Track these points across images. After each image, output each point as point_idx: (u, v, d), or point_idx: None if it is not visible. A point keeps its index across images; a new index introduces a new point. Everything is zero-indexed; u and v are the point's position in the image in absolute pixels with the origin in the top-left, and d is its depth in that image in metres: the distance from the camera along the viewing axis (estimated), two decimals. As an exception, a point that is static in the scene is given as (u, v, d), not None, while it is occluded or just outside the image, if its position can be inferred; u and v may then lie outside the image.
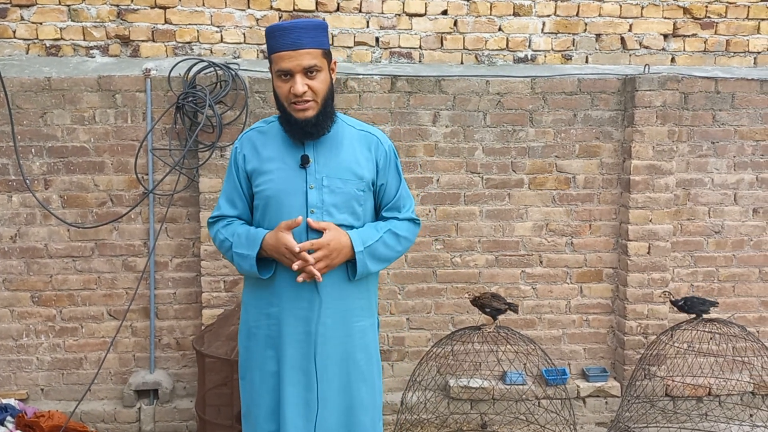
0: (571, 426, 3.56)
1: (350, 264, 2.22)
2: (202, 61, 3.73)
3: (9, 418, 3.50)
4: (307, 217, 2.16)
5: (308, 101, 2.12)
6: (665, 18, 4.19)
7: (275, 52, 2.10)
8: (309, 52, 2.09)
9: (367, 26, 4.05)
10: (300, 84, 2.09)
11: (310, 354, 2.19)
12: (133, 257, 3.87)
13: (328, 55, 2.17)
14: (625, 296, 3.97)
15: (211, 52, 3.99)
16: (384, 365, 3.97)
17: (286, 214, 2.16)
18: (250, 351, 2.30)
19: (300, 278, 2.12)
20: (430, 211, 3.95)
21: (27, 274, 3.82)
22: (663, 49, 4.22)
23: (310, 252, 2.11)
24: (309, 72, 2.10)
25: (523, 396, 3.92)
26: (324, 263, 2.12)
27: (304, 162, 2.18)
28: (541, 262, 4.04)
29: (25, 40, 3.89)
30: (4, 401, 3.60)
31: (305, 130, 2.15)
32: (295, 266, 2.10)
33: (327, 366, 2.21)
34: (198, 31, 3.96)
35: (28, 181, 3.72)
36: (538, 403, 3.93)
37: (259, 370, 2.26)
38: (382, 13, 4.03)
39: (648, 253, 3.94)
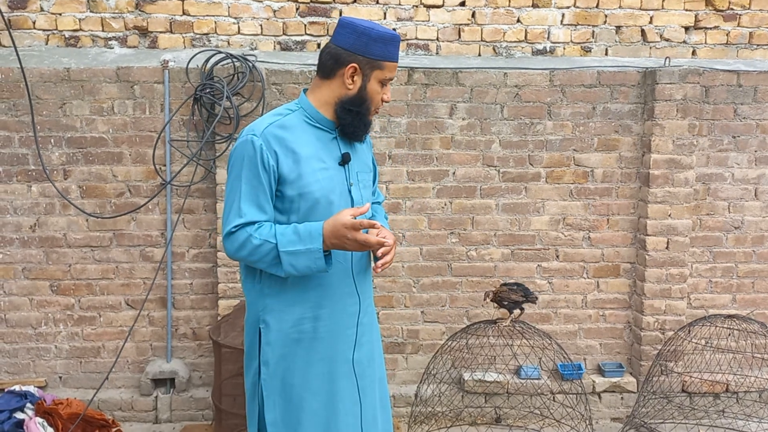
0: (587, 421, 3.54)
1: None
2: (220, 52, 3.73)
3: (29, 405, 3.54)
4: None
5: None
6: (687, 10, 4.13)
7: (392, 60, 2.12)
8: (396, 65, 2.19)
9: (385, 17, 4.03)
10: (389, 93, 2.19)
11: (351, 348, 2.19)
12: (151, 247, 3.90)
13: None
14: (642, 291, 3.94)
15: (229, 43, 3.99)
16: (398, 358, 3.98)
17: (333, 213, 2.07)
18: (289, 358, 2.14)
19: (380, 269, 2.06)
20: (445, 204, 3.93)
21: (46, 263, 3.87)
22: (684, 41, 4.16)
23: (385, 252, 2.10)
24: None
25: (538, 390, 3.90)
26: (391, 255, 2.10)
27: (346, 160, 2.16)
28: (557, 256, 4.01)
29: (44, 30, 3.91)
30: (24, 388, 3.65)
31: (367, 131, 2.22)
32: (380, 251, 2.03)
33: (362, 360, 2.22)
34: (215, 22, 3.97)
35: (47, 171, 3.75)
36: (553, 397, 3.91)
37: (303, 374, 2.14)
38: (400, 4, 4.01)
39: (666, 248, 3.90)
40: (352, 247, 2.00)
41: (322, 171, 2.09)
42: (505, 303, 3.48)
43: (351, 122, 2.13)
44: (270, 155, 2.03)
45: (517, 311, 3.51)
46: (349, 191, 2.16)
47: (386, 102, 2.19)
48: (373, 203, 2.38)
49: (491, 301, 3.50)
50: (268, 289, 2.14)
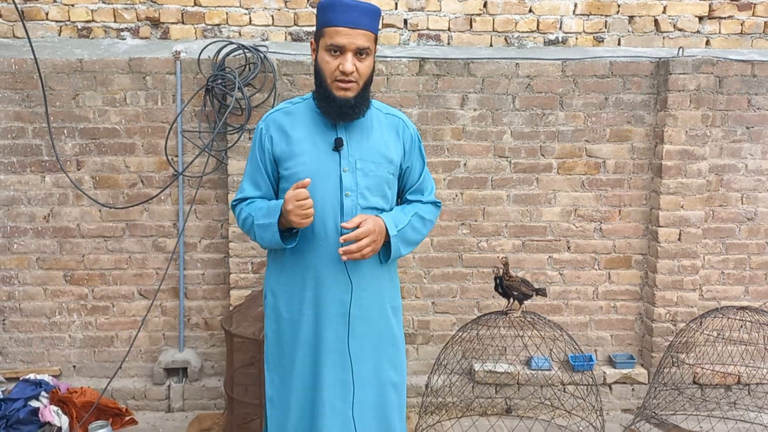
0: (597, 412, 3.54)
1: (381, 247, 2.23)
2: (231, 43, 3.74)
3: (43, 393, 3.59)
4: (342, 200, 2.16)
5: (351, 82, 2.10)
6: (700, 0, 4.09)
7: (332, 25, 2.06)
8: (365, 33, 2.07)
9: (396, 8, 4.02)
10: (350, 63, 2.06)
11: (344, 335, 2.20)
12: (163, 238, 3.92)
13: (376, 42, 2.16)
14: (654, 283, 3.93)
15: (240, 34, 3.99)
16: (409, 348, 3.99)
17: (320, 197, 2.13)
18: (280, 336, 2.28)
19: (344, 257, 2.08)
20: (456, 195, 3.93)
21: (60, 253, 3.90)
22: (698, 31, 4.12)
23: (350, 239, 2.10)
24: (360, 53, 2.09)
25: (549, 381, 3.91)
26: (371, 248, 2.11)
27: (338, 145, 2.16)
28: (568, 247, 4.01)
29: (57, 21, 3.93)
30: (39, 377, 3.69)
31: (342, 109, 2.12)
32: (344, 257, 2.09)
33: (362, 347, 2.22)
34: (227, 13, 3.97)
35: (61, 162, 3.78)
36: (564, 388, 3.92)
37: (291, 355, 2.24)
38: (411, -6, 4.00)
39: (678, 239, 3.88)
40: (293, 217, 2.05)
41: (310, 154, 2.17)
42: (515, 294, 3.47)
43: (318, 99, 2.18)
44: (267, 139, 2.23)
45: (527, 302, 3.51)
46: (341, 176, 2.17)
47: (344, 72, 2.07)
48: (411, 202, 2.35)
49: (499, 284, 3.48)
50: (271, 266, 2.33)
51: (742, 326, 3.79)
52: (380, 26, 3.91)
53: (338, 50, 2.07)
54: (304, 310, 2.22)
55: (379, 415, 2.27)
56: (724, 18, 4.12)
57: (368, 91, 2.18)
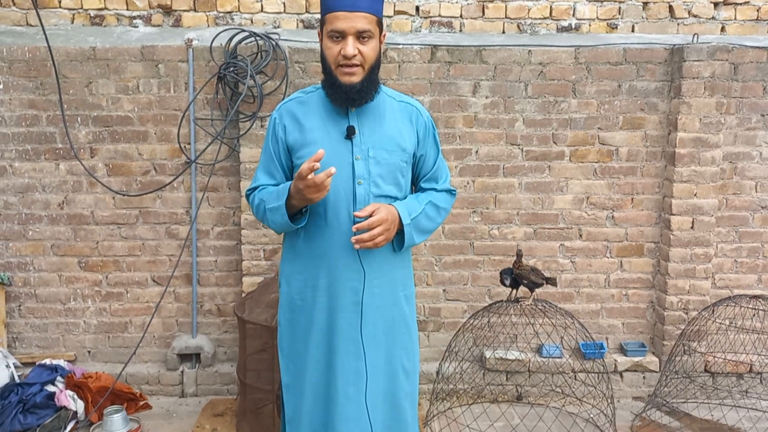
0: (608, 400, 3.55)
1: (395, 236, 2.23)
2: (243, 31, 3.74)
3: (59, 378, 3.63)
4: (354, 188, 2.17)
5: (356, 65, 2.09)
6: (716, -15, 4.05)
7: (331, 11, 2.06)
8: (365, 16, 2.06)
9: (408, -5, 4.00)
10: (351, 46, 2.05)
11: (357, 323, 2.21)
12: (176, 225, 3.95)
13: (380, 24, 2.14)
14: (666, 271, 3.91)
15: (252, 22, 3.99)
16: (420, 335, 4.00)
17: (333, 185, 2.11)
18: (294, 323, 2.29)
19: (357, 245, 2.09)
20: (468, 183, 3.93)
21: (74, 240, 3.93)
22: (713, 17, 4.08)
23: (362, 228, 2.09)
24: (361, 36, 2.07)
25: (560, 369, 3.91)
26: (383, 236, 2.11)
27: (350, 133, 2.16)
28: (580, 235, 4.00)
29: (69, 9, 3.94)
30: (54, 362, 3.73)
31: (348, 95, 2.11)
32: (356, 245, 2.09)
33: (374, 335, 2.23)
34: (239, 0, 3.96)
35: (74, 150, 3.81)
36: (575, 376, 3.92)
37: (305, 342, 2.26)
38: (423, -19, 3.98)
39: (691, 227, 3.87)
40: (307, 193, 2.03)
41: (323, 142, 2.16)
42: (525, 282, 3.48)
43: (326, 86, 2.18)
44: (280, 128, 2.24)
45: (538, 290, 3.51)
46: (353, 164, 2.17)
47: (346, 56, 2.05)
48: (425, 190, 2.36)
49: (505, 277, 3.49)
50: (285, 254, 2.34)
51: (754, 315, 3.78)
52: (385, 9, 3.91)
53: (339, 35, 2.07)
54: (318, 298, 2.23)
55: (390, 402, 2.29)
56: (740, 4, 4.07)
57: (375, 75, 2.16)
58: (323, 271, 2.22)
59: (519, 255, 3.45)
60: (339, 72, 2.11)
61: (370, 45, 2.10)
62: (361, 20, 2.06)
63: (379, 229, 2.09)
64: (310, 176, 1.98)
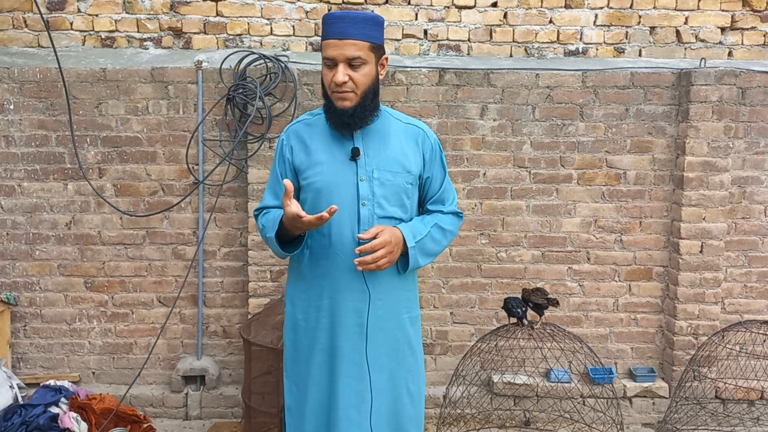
0: (618, 426, 3.50)
1: (399, 258, 2.22)
2: (253, 53, 3.77)
3: (63, 399, 3.60)
4: (359, 209, 2.17)
5: (347, 92, 2.11)
6: (723, 11, 4.06)
7: (325, 39, 2.12)
8: (354, 43, 2.08)
9: (416, 18, 4.03)
10: (341, 73, 2.09)
11: (361, 346, 2.19)
12: (183, 246, 3.94)
13: (377, 50, 2.15)
14: (675, 295, 3.88)
15: (261, 44, 4.02)
16: (427, 359, 3.97)
17: (337, 206, 2.10)
18: (297, 344, 2.29)
19: (360, 267, 2.09)
20: (475, 205, 3.92)
21: (81, 260, 3.93)
22: (720, 42, 4.09)
23: (365, 250, 2.10)
24: (351, 63, 2.09)
25: (568, 394, 3.87)
26: (387, 259, 2.11)
27: (355, 154, 2.18)
28: (588, 258, 3.98)
29: (81, 31, 3.98)
30: (59, 383, 3.71)
31: (342, 119, 2.15)
32: (359, 267, 2.09)
33: (378, 357, 2.21)
34: (248, 23, 4.00)
35: (83, 170, 3.82)
36: (584, 401, 3.87)
37: (307, 363, 2.25)
38: (431, 5, 4.01)
39: (700, 251, 3.84)
40: (302, 226, 2.06)
41: (328, 163, 2.19)
42: (530, 304, 3.45)
43: (325, 110, 2.23)
44: (287, 149, 2.28)
45: (547, 314, 3.49)
46: (357, 185, 2.18)
47: (336, 83, 2.09)
48: (432, 212, 2.35)
49: (510, 307, 3.46)
50: (290, 274, 2.36)
51: (765, 340, 3.73)
52: (393, 33, 3.94)
53: (331, 62, 2.11)
54: (321, 319, 2.23)
55: (395, 426, 2.26)
56: (747, 29, 4.09)
57: (370, 100, 2.16)
58: (326, 291, 2.22)
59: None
60: (334, 97, 2.15)
61: (362, 71, 2.11)
62: (350, 48, 2.08)
63: (382, 251, 2.09)
64: (305, 218, 2.02)
